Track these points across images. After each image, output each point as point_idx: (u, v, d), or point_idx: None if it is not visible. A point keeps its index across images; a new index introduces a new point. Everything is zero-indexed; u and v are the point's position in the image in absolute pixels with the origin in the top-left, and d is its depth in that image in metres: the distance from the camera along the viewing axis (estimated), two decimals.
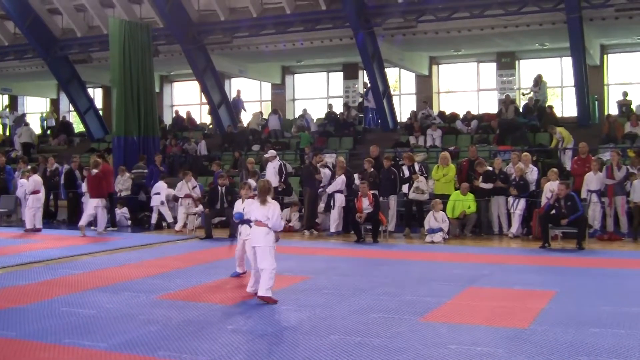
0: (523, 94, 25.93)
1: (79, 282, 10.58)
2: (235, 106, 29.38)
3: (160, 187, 19.25)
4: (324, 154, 21.82)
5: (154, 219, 19.26)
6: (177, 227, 18.47)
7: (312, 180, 17.89)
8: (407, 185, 17.43)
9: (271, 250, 8.87)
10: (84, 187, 19.81)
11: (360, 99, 27.95)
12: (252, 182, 17.63)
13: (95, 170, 17.77)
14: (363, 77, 28.14)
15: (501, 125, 22.88)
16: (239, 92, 30.22)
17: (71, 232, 18.45)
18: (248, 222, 9.96)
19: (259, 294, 8.76)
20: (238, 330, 7.46)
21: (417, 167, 17.62)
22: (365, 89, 27.06)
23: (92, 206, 17.73)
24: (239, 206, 10.45)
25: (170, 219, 19.14)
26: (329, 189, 17.45)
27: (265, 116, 29.20)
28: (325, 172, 18.36)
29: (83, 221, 17.61)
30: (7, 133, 34.79)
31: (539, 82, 24.72)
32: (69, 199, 21.14)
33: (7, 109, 35.39)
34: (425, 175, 17.74)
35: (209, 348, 6.69)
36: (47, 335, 7.23)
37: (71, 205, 21.07)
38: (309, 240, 16.53)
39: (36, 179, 18.74)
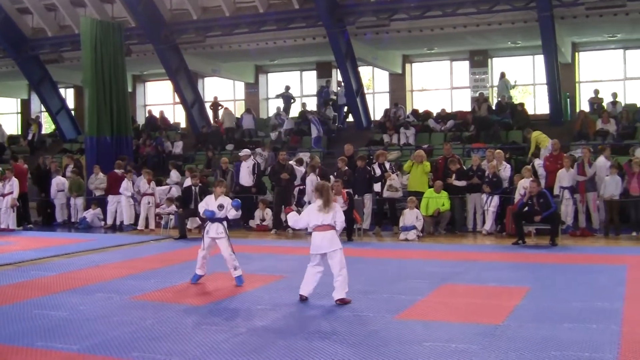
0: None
1: (51, 284, 10.48)
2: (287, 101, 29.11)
3: (126, 186, 19.35)
4: (298, 153, 21.86)
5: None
6: (140, 226, 18.82)
7: (278, 179, 17.86)
8: (379, 184, 17.46)
9: (341, 252, 8.80)
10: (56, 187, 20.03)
11: (334, 97, 27.93)
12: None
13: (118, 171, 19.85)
14: (337, 75, 28.16)
15: (475, 121, 23.02)
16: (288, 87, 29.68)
17: (43, 234, 18.33)
18: (219, 220, 9.95)
19: (340, 297, 8.60)
20: (213, 330, 7.41)
21: (387, 165, 17.66)
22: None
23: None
24: (210, 202, 10.18)
25: (127, 221, 19.31)
26: (306, 198, 17.43)
27: (237, 114, 29.15)
28: (300, 170, 18.36)
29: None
30: None
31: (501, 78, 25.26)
32: (40, 200, 21.00)
33: None
34: (397, 173, 17.79)
35: (183, 349, 6.65)
36: (19, 338, 7.14)
37: (42, 207, 20.95)
38: (284, 240, 16.51)
39: (14, 180, 19.08)
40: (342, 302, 8.58)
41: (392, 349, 6.53)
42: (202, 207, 10.23)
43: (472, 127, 23.11)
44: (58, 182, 20.72)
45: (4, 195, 18.90)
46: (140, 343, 6.87)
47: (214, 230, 10.00)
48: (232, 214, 10.14)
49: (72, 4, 26.99)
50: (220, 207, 10.05)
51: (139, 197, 19.20)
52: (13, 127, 36.41)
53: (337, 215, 8.86)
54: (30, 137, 31.11)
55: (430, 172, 17.55)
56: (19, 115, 37.07)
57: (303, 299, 8.83)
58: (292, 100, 28.95)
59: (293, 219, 9.35)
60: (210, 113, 29.23)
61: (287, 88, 29.14)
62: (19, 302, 9.00)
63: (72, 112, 32.30)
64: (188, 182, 18.18)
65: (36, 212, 21.36)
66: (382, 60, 27.40)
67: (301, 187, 18.14)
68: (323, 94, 27.13)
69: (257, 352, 6.49)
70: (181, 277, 10.67)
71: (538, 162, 18.27)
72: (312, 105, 28.84)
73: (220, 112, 28.95)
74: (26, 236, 17.78)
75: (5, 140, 31.13)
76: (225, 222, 10.13)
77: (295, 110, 28.69)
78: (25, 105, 36.40)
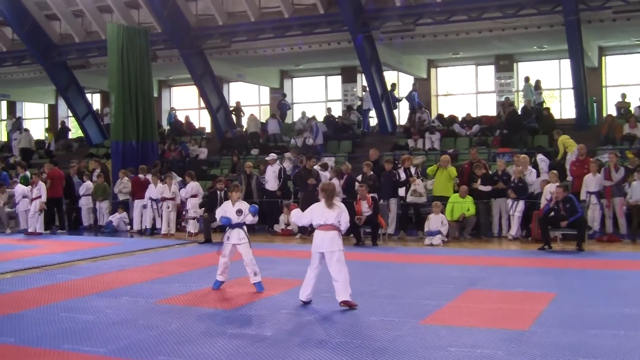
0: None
1: (78, 287, 10.57)
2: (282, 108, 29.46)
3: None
4: (323, 157, 21.87)
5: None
6: (163, 230, 18.79)
7: (304, 184, 17.86)
8: (403, 188, 17.42)
9: (342, 254, 8.71)
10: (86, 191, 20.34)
11: (359, 103, 27.99)
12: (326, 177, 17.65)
13: (142, 175, 19.92)
14: (362, 80, 28.17)
15: (510, 118, 22.83)
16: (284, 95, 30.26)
17: (70, 238, 18.49)
18: (239, 225, 9.93)
19: (343, 299, 8.55)
20: (237, 334, 7.44)
21: (413, 170, 17.61)
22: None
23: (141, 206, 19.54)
24: (228, 208, 10.11)
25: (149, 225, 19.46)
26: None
27: (262, 120, 29.26)
28: (326, 175, 18.36)
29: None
30: (6, 138, 34.76)
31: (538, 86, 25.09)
32: (66, 205, 21.15)
33: None
34: (422, 178, 17.74)
35: (208, 352, 6.67)
36: (46, 341, 7.21)
37: (69, 211, 21.11)
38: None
39: (42, 185, 19.20)
40: (347, 305, 8.53)
41: (417, 354, 6.51)
42: (219, 214, 10.20)
43: (498, 131, 23.01)
44: (88, 186, 20.87)
45: (32, 200, 19.08)
46: (165, 347, 6.91)
47: (236, 236, 9.93)
48: (249, 219, 10.09)
49: (99, 10, 27.26)
50: (239, 212, 9.97)
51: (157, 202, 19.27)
52: (40, 131, 36.79)
53: (342, 215, 8.80)
54: (46, 147, 31.29)
55: (456, 177, 17.47)
56: (47, 120, 37.49)
57: (305, 303, 8.82)
58: (289, 108, 29.23)
59: (296, 215, 9.37)
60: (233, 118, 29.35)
61: (284, 96, 29.55)
62: (46, 305, 9.08)
63: (99, 117, 32.58)
64: (190, 186, 18.58)
65: (66, 217, 21.52)
66: (407, 64, 27.36)
67: None
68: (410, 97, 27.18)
69: (282, 357, 6.50)
70: (206, 282, 10.70)
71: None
72: (336, 110, 28.93)
73: (244, 119, 29.07)
74: (53, 240, 17.94)
75: (32, 145, 31.43)
76: (245, 227, 10.10)
77: (318, 116, 28.74)
78: (53, 111, 36.80)
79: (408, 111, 27.15)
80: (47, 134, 31.99)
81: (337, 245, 8.70)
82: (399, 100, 27.54)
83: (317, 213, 8.88)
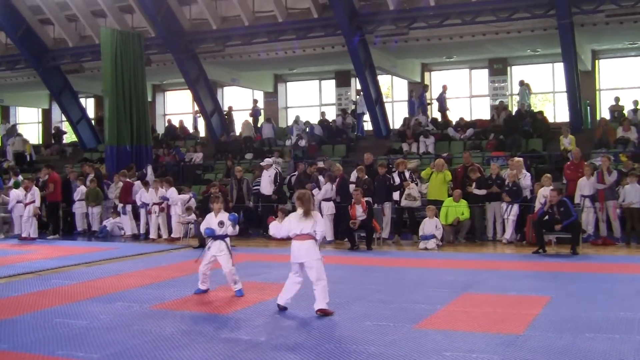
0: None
1: (72, 292, 10.53)
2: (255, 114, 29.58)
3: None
4: (318, 162, 21.85)
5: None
6: (152, 235, 18.83)
7: (302, 188, 17.80)
8: (397, 192, 17.40)
9: (320, 263, 8.67)
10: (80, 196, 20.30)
11: (353, 107, 28.01)
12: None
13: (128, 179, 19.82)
14: (355, 84, 28.18)
15: (507, 121, 22.88)
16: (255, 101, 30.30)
17: (63, 243, 18.43)
18: (222, 237, 9.95)
19: (320, 307, 8.52)
20: (232, 339, 7.42)
21: (407, 174, 17.60)
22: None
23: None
24: (211, 220, 10.14)
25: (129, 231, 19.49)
26: (318, 197, 17.37)
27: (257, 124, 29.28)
28: (320, 179, 18.35)
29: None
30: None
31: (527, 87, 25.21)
32: (62, 209, 21.09)
33: None
34: (416, 182, 17.73)
35: (203, 357, 6.66)
36: (40, 346, 7.18)
37: (65, 215, 21.03)
38: None
39: (35, 189, 19.23)
40: (323, 313, 8.50)
41: (411, 359, 6.50)
42: (203, 226, 10.27)
43: (492, 135, 23.06)
44: (82, 191, 20.81)
45: (26, 204, 19.03)
46: (160, 352, 6.88)
47: (216, 247, 9.99)
48: (230, 230, 10.09)
49: (93, 14, 27.23)
50: (221, 224, 10.03)
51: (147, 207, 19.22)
52: (34, 136, 36.72)
53: (317, 225, 8.76)
54: (28, 159, 31.07)
55: (451, 182, 17.46)
56: (40, 124, 37.41)
57: (281, 309, 8.78)
58: (260, 114, 29.53)
59: (274, 228, 9.28)
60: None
61: (255, 102, 29.61)
62: (39, 311, 9.05)
63: (92, 121, 32.54)
64: (172, 192, 18.55)
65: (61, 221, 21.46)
66: (401, 68, 27.36)
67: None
68: (422, 98, 27.14)
69: None
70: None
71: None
72: (330, 114, 28.92)
73: (237, 127, 29.04)
74: (47, 245, 17.89)
75: (27, 149, 31.32)
76: (227, 239, 10.11)
77: (312, 120, 28.77)
78: (47, 115, 36.73)
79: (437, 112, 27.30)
80: (26, 146, 31.56)
81: (314, 254, 8.68)
82: (430, 103, 27.62)
83: (294, 223, 8.86)
